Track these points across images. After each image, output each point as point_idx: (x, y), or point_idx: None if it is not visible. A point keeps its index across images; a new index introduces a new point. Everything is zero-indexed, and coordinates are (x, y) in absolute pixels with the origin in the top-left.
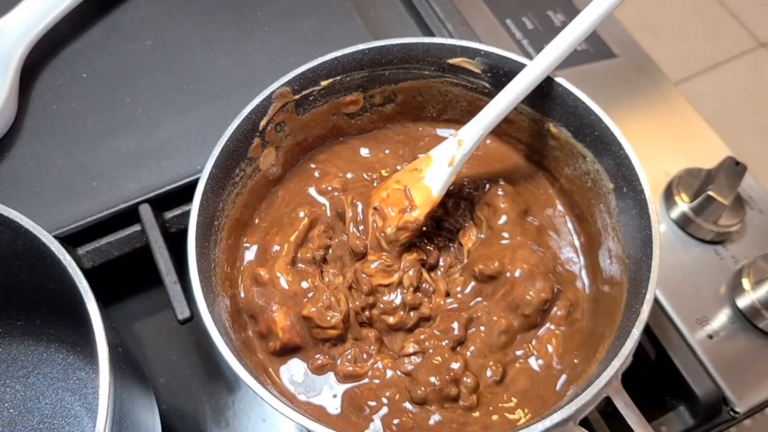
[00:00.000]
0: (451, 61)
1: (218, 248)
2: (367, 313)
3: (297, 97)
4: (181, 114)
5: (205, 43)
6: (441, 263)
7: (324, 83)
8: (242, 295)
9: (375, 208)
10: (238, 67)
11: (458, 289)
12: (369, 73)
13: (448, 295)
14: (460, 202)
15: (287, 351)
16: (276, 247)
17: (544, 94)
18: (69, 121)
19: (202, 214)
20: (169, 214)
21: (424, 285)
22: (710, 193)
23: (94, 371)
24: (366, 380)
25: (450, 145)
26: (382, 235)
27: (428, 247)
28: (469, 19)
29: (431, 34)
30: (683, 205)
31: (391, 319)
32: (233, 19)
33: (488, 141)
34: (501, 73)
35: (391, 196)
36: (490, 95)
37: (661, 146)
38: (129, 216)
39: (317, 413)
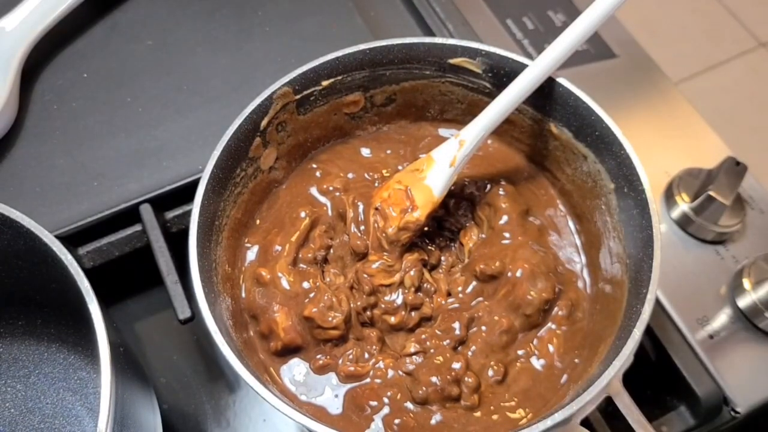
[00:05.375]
0: (452, 61)
1: (219, 248)
2: (368, 313)
3: (298, 97)
4: (181, 114)
5: (205, 43)
6: (443, 263)
7: (325, 83)
8: (243, 295)
9: (376, 208)
10: (238, 67)
11: (459, 288)
12: (370, 73)
13: (449, 294)
14: (461, 202)
15: (288, 351)
16: (277, 248)
17: (545, 94)
18: (70, 120)
19: (203, 214)
20: (170, 214)
21: (425, 285)
22: (711, 193)
23: (95, 371)
24: (367, 380)
25: (451, 145)
26: (384, 235)
27: (429, 247)
28: (469, 19)
29: (432, 34)
30: (684, 205)
31: (392, 319)
32: (234, 19)
33: (489, 141)
34: (502, 74)
35: (392, 197)
36: (491, 95)
37: (662, 146)
38: (130, 216)
39: (318, 413)
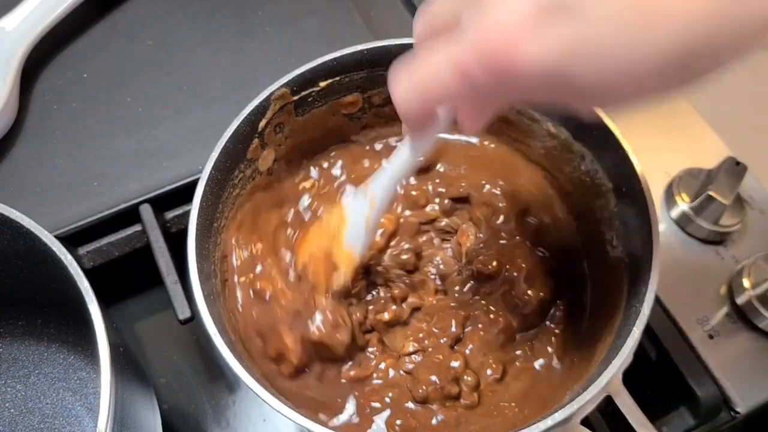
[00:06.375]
0: None
1: (218, 250)
2: (368, 319)
3: (296, 98)
4: (181, 114)
5: (205, 43)
6: (439, 263)
7: (323, 84)
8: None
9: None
10: (238, 68)
11: (456, 288)
12: (368, 74)
13: (446, 293)
14: (459, 202)
15: (300, 372)
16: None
17: None
18: (70, 121)
19: (201, 215)
20: (169, 214)
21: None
22: (711, 193)
23: (95, 371)
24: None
25: (361, 204)
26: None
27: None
28: None
29: None
30: (683, 205)
31: (386, 316)
32: (234, 20)
33: (487, 141)
34: None
35: (312, 262)
36: None
37: (661, 146)
38: (130, 216)
39: None
